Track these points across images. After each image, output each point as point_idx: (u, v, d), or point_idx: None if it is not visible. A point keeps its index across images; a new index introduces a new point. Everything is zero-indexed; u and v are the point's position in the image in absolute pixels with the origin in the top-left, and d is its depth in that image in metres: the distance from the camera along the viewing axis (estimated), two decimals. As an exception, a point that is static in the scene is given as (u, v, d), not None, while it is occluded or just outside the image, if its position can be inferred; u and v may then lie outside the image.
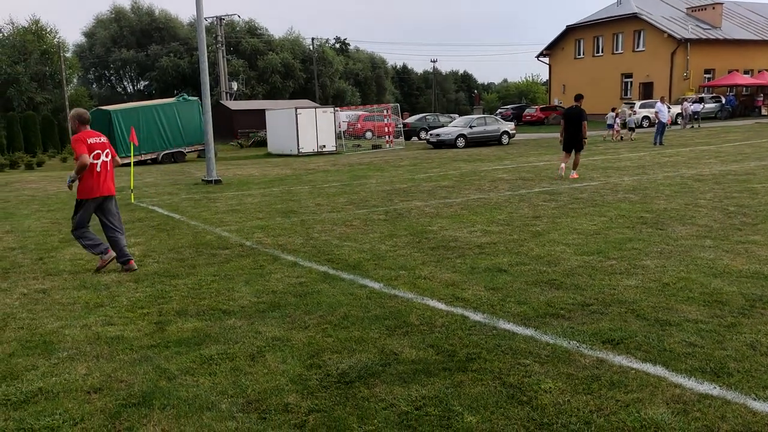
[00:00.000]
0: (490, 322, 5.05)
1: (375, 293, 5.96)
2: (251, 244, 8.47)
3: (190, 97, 30.11)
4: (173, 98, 31.16)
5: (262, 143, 35.93)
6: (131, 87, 67.14)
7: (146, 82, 64.37)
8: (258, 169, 21.71)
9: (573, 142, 14.39)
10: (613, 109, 29.98)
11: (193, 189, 16.10)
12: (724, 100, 41.26)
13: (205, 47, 17.66)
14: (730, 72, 43.66)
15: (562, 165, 14.68)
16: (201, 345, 4.76)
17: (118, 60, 61.86)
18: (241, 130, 41.85)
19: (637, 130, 29.71)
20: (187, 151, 29.25)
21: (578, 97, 14.55)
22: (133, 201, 13.68)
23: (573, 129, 14.29)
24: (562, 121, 14.73)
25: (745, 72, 44.43)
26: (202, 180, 17.66)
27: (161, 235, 9.46)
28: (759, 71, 44.43)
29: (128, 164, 17.00)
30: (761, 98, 43.24)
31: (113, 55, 61.17)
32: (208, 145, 17.66)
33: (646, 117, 37.11)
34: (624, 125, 29.13)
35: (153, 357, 4.56)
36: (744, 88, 44.51)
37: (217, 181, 17.16)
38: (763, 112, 42.52)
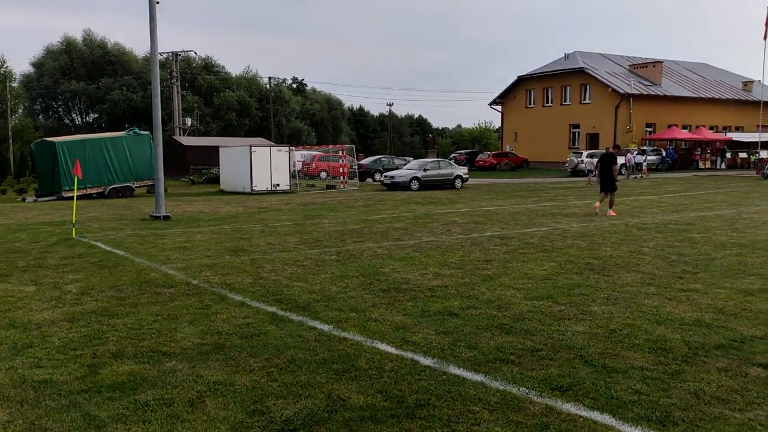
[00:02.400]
0: (440, 366, 4.98)
1: (324, 335, 5.83)
2: (198, 283, 8.22)
3: (141, 132, 29.59)
4: (124, 132, 30.57)
5: (215, 180, 35.43)
6: (80, 119, 65.60)
7: (96, 115, 63.00)
8: (209, 206, 21.34)
9: (607, 183, 16.25)
10: (635, 153, 32.84)
11: (139, 225, 15.66)
12: (664, 153, 43.07)
13: (159, 81, 17.46)
14: (669, 126, 45.73)
15: (597, 203, 16.60)
16: (136, 390, 4.52)
17: (66, 91, 60.50)
18: (194, 167, 41.23)
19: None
20: (136, 185, 28.57)
21: (614, 147, 16.73)
22: (74, 236, 13.18)
23: (607, 172, 16.19)
24: (599, 164, 16.74)
25: (684, 127, 46.60)
26: (150, 216, 17.21)
27: (102, 272, 9.10)
28: (696, 126, 46.68)
29: (71, 198, 16.45)
30: (699, 152, 45.31)
31: (62, 86, 59.85)
32: (158, 180, 17.29)
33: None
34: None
35: (82, 403, 4.30)
36: (683, 142, 46.61)
37: (166, 217, 16.76)
38: (701, 165, 44.52)
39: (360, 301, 7.14)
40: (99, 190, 27.21)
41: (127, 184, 28.08)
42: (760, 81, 43.78)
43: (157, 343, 5.63)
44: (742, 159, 45.86)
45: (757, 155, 40.95)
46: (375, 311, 6.69)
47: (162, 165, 17.38)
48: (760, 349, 5.34)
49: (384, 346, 5.50)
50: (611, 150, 17.07)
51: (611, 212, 16.15)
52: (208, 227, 14.92)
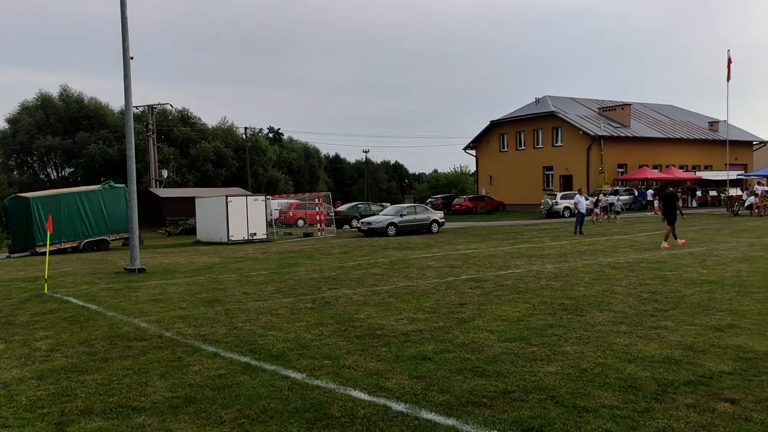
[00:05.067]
0: (412, 412, 4.97)
1: (297, 384, 5.80)
2: (171, 335, 8.14)
3: (116, 185, 29.50)
4: (99, 185, 30.45)
5: (192, 231, 35.25)
6: (55, 174, 65.19)
7: (72, 169, 62.68)
8: (185, 257, 21.19)
9: (670, 218, 18.30)
10: (592, 194, 35.15)
11: (114, 278, 15.49)
12: (636, 193, 43.93)
13: (133, 135, 17.55)
14: (640, 167, 46.79)
15: (680, 240, 18.49)
16: (105, 446, 4.45)
17: (42, 147, 60.26)
18: (170, 218, 41.02)
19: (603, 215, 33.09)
20: (111, 238, 28.31)
21: (672, 185, 17.95)
22: (46, 291, 12.99)
23: (669, 208, 18.43)
24: (661, 203, 19.77)
25: (655, 167, 47.71)
26: (125, 269, 17.04)
27: (73, 327, 8.96)
28: (667, 166, 47.82)
29: (44, 253, 16.26)
30: (648, 192, 46.23)
31: (37, 141, 59.64)
32: (133, 233, 17.19)
33: (567, 207, 38.88)
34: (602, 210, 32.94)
35: (49, 461, 4.21)
36: (654, 182, 47.63)
37: (141, 270, 16.60)
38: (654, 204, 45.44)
39: (334, 348, 7.13)
40: (73, 245, 26.90)
41: (102, 237, 27.81)
42: (725, 121, 45.15)
43: (127, 398, 5.55)
44: (712, 197, 46.93)
45: (726, 193, 41.97)
46: (349, 358, 6.67)
47: (136, 217, 17.31)
48: (727, 384, 5.43)
49: (357, 393, 5.48)
50: (671, 189, 20.19)
51: (665, 244, 17.83)
52: (183, 279, 14.81)
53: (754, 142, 55.33)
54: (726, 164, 43.41)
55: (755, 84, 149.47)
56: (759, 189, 34.78)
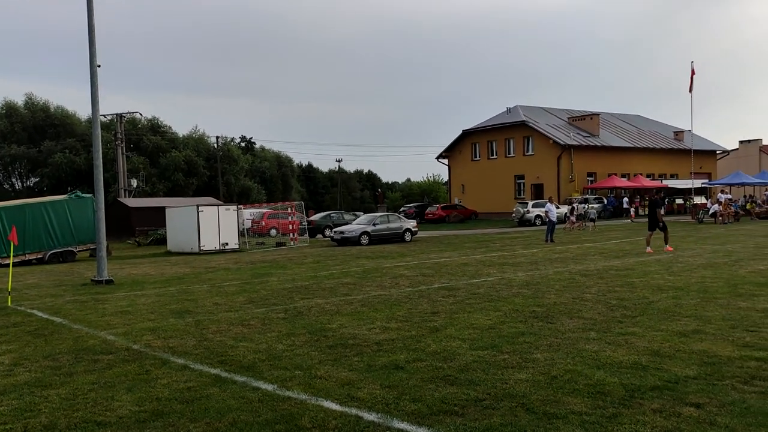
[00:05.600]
0: (384, 421, 4.96)
1: (268, 396, 5.74)
2: (139, 348, 8.00)
3: (83, 194, 28.96)
4: (65, 195, 29.87)
5: (162, 241, 34.75)
6: (20, 184, 63.82)
7: (37, 179, 61.41)
8: (155, 268, 20.88)
9: (653, 224, 18.84)
10: (569, 203, 36.33)
11: (80, 290, 15.18)
12: (606, 201, 44.65)
13: (100, 143, 17.27)
14: (609, 175, 47.59)
15: (648, 248, 18.64)
16: (69, 462, 4.34)
17: (6, 156, 58.99)
18: (140, 228, 40.40)
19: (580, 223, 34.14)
20: (78, 250, 27.74)
21: (657, 192, 20.18)
22: (9, 304, 12.66)
23: (653, 215, 18.97)
24: (647, 208, 20.77)
25: (623, 175, 48.56)
26: (92, 280, 16.71)
27: (37, 341, 8.75)
28: (634, 175, 48.72)
29: (8, 265, 15.87)
30: (638, 199, 47.13)
31: (2, 150, 58.36)
32: (100, 243, 16.88)
33: (538, 216, 39.32)
34: (578, 217, 34.07)
35: (11, 479, 4.10)
36: (623, 190, 48.48)
37: (108, 281, 16.30)
38: (641, 211, 46.27)
39: (306, 359, 7.08)
40: (38, 256, 26.31)
41: (69, 248, 27.26)
42: (690, 131, 46.21)
43: (92, 413, 5.43)
44: (678, 205, 47.93)
45: (691, 201, 42.90)
46: (321, 368, 6.64)
47: (104, 227, 17.01)
48: (692, 389, 5.53)
49: (329, 404, 5.45)
50: (656, 197, 20.70)
51: (668, 248, 18.48)
52: (152, 290, 14.58)
53: (717, 152, 56.76)
54: (691, 173, 44.42)
55: (717, 95, 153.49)
56: (722, 197, 35.63)
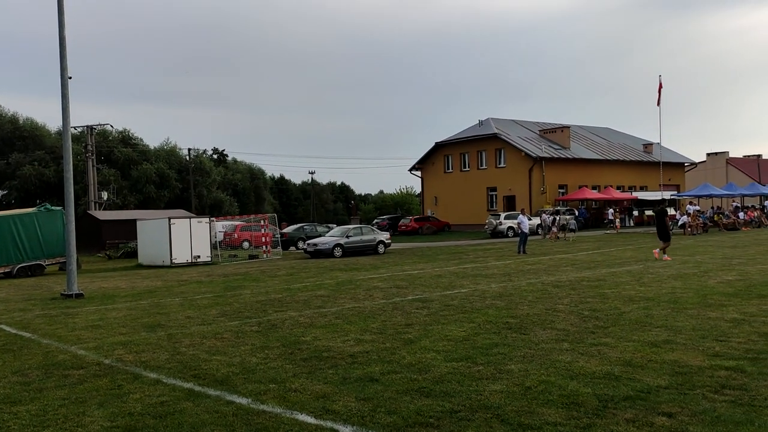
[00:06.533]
0: (359, 435, 4.95)
1: (242, 409, 5.69)
2: (110, 362, 7.87)
3: (53, 207, 28.44)
4: (34, 208, 29.30)
5: (133, 254, 34.24)
6: (-13, 196, 62.43)
7: (5, 192, 60.11)
8: (126, 282, 20.55)
9: (663, 234, 19.60)
10: (550, 213, 37.08)
11: (49, 304, 14.87)
12: (577, 213, 45.27)
13: (71, 155, 17.02)
14: (580, 187, 48.30)
15: (656, 251, 19.65)
16: (38, 480, 4.25)
17: (-27, 168, 57.73)
18: (110, 241, 39.74)
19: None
20: (47, 263, 27.20)
21: (661, 202, 19.68)
22: (-25, 319, 12.36)
23: (659, 224, 19.96)
24: (655, 218, 21.32)
25: (594, 187, 49.33)
26: (62, 294, 16.39)
27: (5, 356, 8.55)
28: (605, 187, 49.52)
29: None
30: (609, 210, 47.89)
31: (-32, 162, 57.12)
32: (70, 257, 16.58)
33: (510, 228, 39.67)
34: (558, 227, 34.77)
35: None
36: (594, 202, 49.21)
37: (79, 295, 16.00)
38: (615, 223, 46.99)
39: (280, 372, 7.04)
40: (6, 270, 25.72)
41: (38, 262, 26.71)
42: (658, 143, 47.19)
43: (63, 429, 5.33)
44: (648, 216, 48.77)
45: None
46: (295, 381, 6.60)
47: (74, 240, 16.73)
48: (664, 398, 5.62)
49: (303, 417, 5.42)
50: (661, 206, 22.21)
51: (666, 257, 19.08)
52: (123, 303, 14.35)
53: (685, 164, 57.99)
54: (660, 185, 45.30)
55: (685, 108, 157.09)
56: (691, 209, 36.42)
